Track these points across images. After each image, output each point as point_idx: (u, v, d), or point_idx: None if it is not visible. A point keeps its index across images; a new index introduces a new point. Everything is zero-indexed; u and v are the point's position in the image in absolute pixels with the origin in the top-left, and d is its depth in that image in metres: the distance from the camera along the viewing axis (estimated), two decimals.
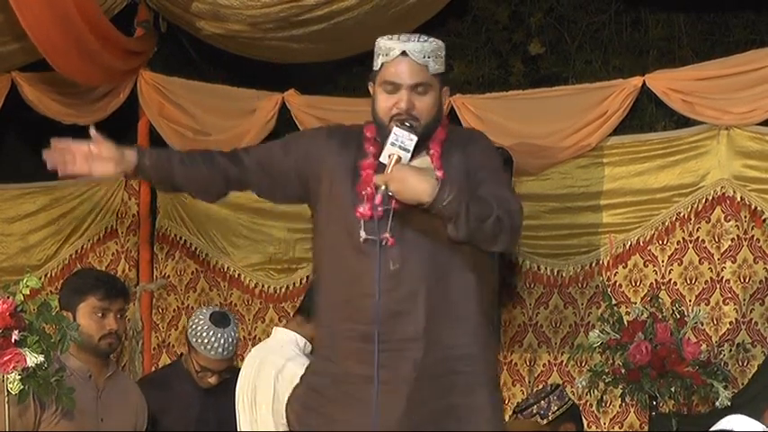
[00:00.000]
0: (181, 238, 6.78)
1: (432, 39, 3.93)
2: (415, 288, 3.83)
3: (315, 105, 6.46)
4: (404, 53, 3.89)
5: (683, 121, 5.98)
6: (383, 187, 3.77)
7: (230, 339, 5.26)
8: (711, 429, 3.57)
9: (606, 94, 5.88)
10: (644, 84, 5.82)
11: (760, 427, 3.63)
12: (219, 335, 5.24)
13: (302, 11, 6.06)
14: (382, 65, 3.93)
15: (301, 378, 4.09)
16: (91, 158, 3.90)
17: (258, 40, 6.37)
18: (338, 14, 6.02)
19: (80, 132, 6.75)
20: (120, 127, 6.86)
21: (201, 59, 7.01)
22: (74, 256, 6.93)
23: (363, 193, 3.87)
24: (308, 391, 4.01)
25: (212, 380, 5.30)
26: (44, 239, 7.00)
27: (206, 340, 5.23)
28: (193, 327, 5.28)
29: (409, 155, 3.82)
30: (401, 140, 3.82)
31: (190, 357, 5.35)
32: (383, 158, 3.84)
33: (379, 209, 3.83)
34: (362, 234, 3.84)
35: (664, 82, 5.81)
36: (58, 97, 6.72)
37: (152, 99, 6.69)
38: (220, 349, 5.24)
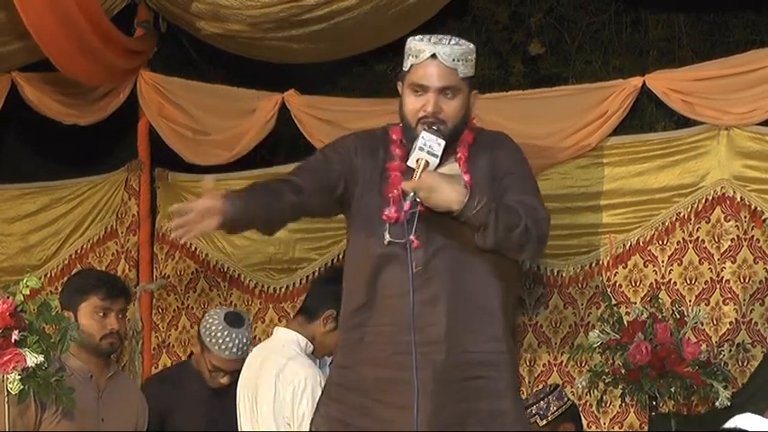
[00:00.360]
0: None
1: (463, 42, 3.93)
2: (437, 291, 3.82)
3: (315, 105, 6.45)
4: (433, 56, 3.88)
5: (683, 122, 5.98)
6: (412, 194, 3.77)
7: (244, 340, 5.29)
8: (722, 427, 3.57)
9: (606, 94, 5.87)
10: (644, 84, 5.82)
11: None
12: (234, 335, 5.27)
13: (302, 11, 6.06)
14: (411, 66, 3.92)
15: (322, 392, 4.08)
16: (206, 214, 3.82)
17: (258, 41, 6.37)
18: (338, 14, 6.02)
19: (80, 132, 6.81)
20: (120, 127, 6.88)
21: (201, 59, 7.02)
22: (74, 257, 6.93)
23: (390, 195, 3.86)
24: (330, 402, 4.00)
25: (224, 380, 5.32)
26: (44, 239, 7.00)
27: (220, 340, 5.25)
28: (207, 326, 5.31)
29: (437, 160, 3.81)
30: (429, 145, 3.81)
31: (203, 357, 5.36)
32: (411, 163, 3.84)
33: (407, 212, 3.83)
34: (387, 236, 3.84)
35: (664, 82, 5.80)
36: (58, 97, 6.72)
37: (152, 99, 6.69)
38: (234, 349, 5.27)
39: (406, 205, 3.79)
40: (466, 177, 3.87)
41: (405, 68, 3.96)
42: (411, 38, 3.97)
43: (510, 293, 3.95)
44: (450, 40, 3.93)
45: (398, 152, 3.94)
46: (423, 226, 3.84)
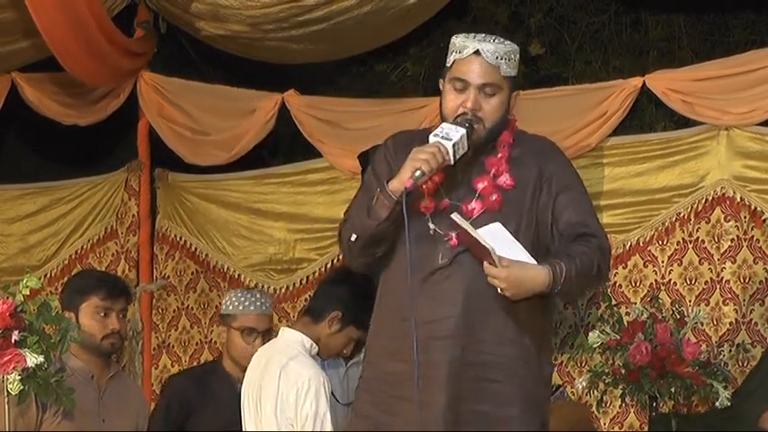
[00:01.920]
0: (181, 238, 6.78)
1: (508, 42, 3.89)
2: (458, 286, 3.79)
3: (314, 105, 6.45)
4: (477, 52, 3.84)
5: (683, 122, 5.98)
6: (417, 173, 3.72)
7: (262, 299, 5.41)
8: None
9: (606, 94, 5.87)
10: (644, 84, 5.82)
11: None
12: (249, 294, 5.42)
13: (302, 11, 6.06)
14: (454, 62, 3.89)
15: (357, 386, 4.08)
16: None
17: (258, 41, 6.38)
18: (338, 15, 6.02)
19: (80, 133, 6.81)
20: (120, 127, 6.88)
21: (201, 60, 7.02)
22: (74, 257, 6.93)
23: (424, 187, 3.83)
24: (362, 394, 3.99)
25: (257, 342, 5.28)
26: (44, 240, 6.99)
27: (243, 300, 5.35)
28: (227, 304, 5.42)
29: (451, 143, 3.76)
30: (446, 132, 3.76)
31: (229, 341, 5.37)
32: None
33: (409, 188, 3.77)
34: (431, 226, 3.82)
35: (663, 82, 5.81)
36: (58, 98, 6.72)
37: (151, 99, 6.70)
38: (258, 303, 5.36)
39: (409, 182, 3.74)
40: (509, 180, 3.84)
41: (447, 65, 3.93)
42: (455, 35, 3.94)
43: (544, 304, 3.87)
44: (496, 38, 3.89)
45: None
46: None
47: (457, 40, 3.90)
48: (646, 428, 5.55)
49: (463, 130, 3.77)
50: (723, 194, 5.68)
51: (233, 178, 6.68)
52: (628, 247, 5.86)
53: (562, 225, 3.86)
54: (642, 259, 5.84)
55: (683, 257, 5.77)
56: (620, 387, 5.26)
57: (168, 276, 6.81)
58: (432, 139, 3.77)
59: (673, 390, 5.17)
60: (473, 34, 3.90)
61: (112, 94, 6.71)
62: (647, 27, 6.68)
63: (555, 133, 5.88)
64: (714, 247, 5.70)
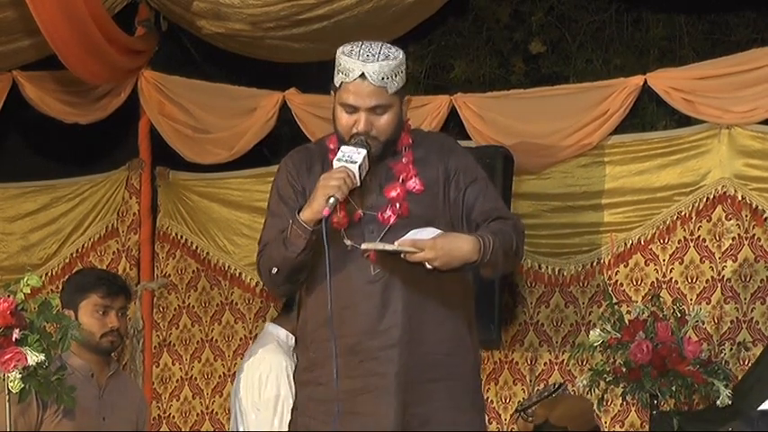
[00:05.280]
0: (182, 236, 6.78)
1: (392, 53, 3.86)
2: (395, 293, 3.81)
3: (315, 104, 6.45)
4: (362, 75, 3.84)
5: (684, 121, 5.99)
6: (332, 199, 3.74)
7: None
8: None
9: (607, 93, 5.88)
10: (645, 83, 5.82)
11: None
12: None
13: (302, 9, 6.07)
14: (341, 84, 3.90)
15: (296, 408, 4.04)
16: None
17: (259, 39, 6.38)
18: (338, 13, 6.03)
19: (81, 131, 6.81)
20: (121, 126, 6.88)
21: (202, 58, 7.01)
22: (75, 255, 6.93)
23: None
24: (305, 419, 3.97)
25: None
26: (45, 238, 7.00)
27: None
28: None
29: (357, 165, 3.78)
30: (348, 155, 3.80)
31: None
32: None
33: (326, 217, 3.78)
34: (348, 241, 3.82)
35: (665, 81, 5.81)
36: (59, 96, 6.72)
37: (152, 98, 6.69)
38: None
39: (326, 211, 3.74)
40: (418, 183, 3.86)
41: (335, 82, 3.93)
42: (341, 50, 3.91)
43: (467, 291, 3.95)
44: (380, 53, 3.86)
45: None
46: (378, 230, 3.82)
47: (342, 60, 3.89)
48: (647, 427, 5.55)
49: (364, 151, 3.81)
50: (724, 193, 5.69)
51: (234, 177, 6.69)
52: (629, 245, 5.86)
53: (475, 214, 3.90)
54: (643, 258, 5.84)
55: (684, 256, 5.77)
56: (621, 386, 5.26)
57: (169, 275, 6.81)
58: (336, 164, 3.80)
59: (674, 388, 5.17)
60: (358, 50, 3.87)
61: (113, 93, 6.71)
62: (648, 26, 6.69)
63: (556, 132, 5.90)
64: (715, 245, 5.70)
